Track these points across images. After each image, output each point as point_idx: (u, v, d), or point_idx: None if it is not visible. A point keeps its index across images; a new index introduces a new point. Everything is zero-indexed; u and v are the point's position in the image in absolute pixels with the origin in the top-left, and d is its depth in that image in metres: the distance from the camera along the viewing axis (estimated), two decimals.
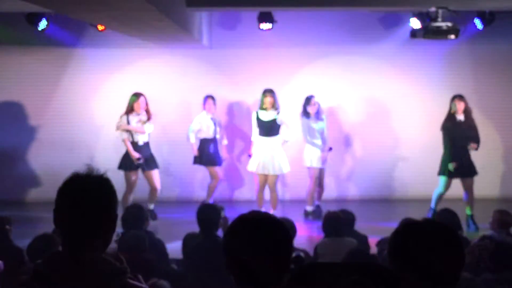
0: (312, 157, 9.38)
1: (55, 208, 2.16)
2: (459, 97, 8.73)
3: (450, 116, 8.71)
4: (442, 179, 8.69)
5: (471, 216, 8.65)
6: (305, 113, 9.37)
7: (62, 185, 2.16)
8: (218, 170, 9.70)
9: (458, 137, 8.60)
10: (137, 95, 8.94)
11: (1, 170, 10.89)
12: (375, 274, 2.02)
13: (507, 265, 4.80)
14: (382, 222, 8.58)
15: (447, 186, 8.71)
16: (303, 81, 10.70)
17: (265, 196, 9.28)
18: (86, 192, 2.13)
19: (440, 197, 8.75)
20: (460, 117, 8.68)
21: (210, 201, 9.31)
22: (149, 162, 9.01)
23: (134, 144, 8.88)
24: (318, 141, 9.39)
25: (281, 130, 9.11)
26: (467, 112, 8.71)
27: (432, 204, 8.75)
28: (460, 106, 8.65)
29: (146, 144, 9.00)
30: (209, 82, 10.60)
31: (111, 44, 10.55)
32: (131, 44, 10.19)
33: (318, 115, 9.40)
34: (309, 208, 9.50)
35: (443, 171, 8.65)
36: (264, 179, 9.07)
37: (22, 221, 8.34)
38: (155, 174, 9.08)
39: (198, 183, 10.65)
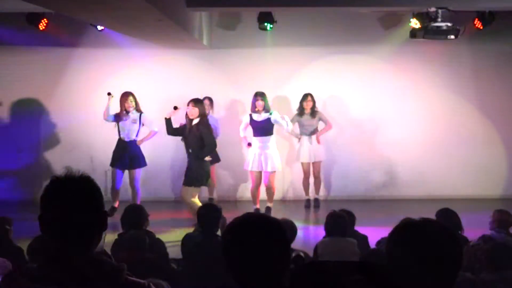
0: (300, 152, 10.10)
1: (40, 215, 2.13)
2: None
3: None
4: None
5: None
6: (300, 109, 10.06)
7: (44, 192, 2.13)
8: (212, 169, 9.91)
9: None
10: (124, 94, 9.13)
11: (1, 170, 10.90)
12: (374, 273, 2.03)
13: (507, 265, 4.80)
14: (382, 222, 8.56)
15: None
16: (303, 81, 10.70)
17: (260, 195, 9.41)
18: (67, 195, 2.10)
19: None
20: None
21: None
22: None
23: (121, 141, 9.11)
24: (307, 137, 10.03)
25: (280, 125, 9.22)
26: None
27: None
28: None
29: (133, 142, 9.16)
30: (209, 82, 10.61)
31: (111, 44, 10.55)
32: (131, 44, 10.20)
33: (312, 113, 10.00)
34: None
35: None
36: (259, 177, 9.24)
37: (22, 221, 8.32)
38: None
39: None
